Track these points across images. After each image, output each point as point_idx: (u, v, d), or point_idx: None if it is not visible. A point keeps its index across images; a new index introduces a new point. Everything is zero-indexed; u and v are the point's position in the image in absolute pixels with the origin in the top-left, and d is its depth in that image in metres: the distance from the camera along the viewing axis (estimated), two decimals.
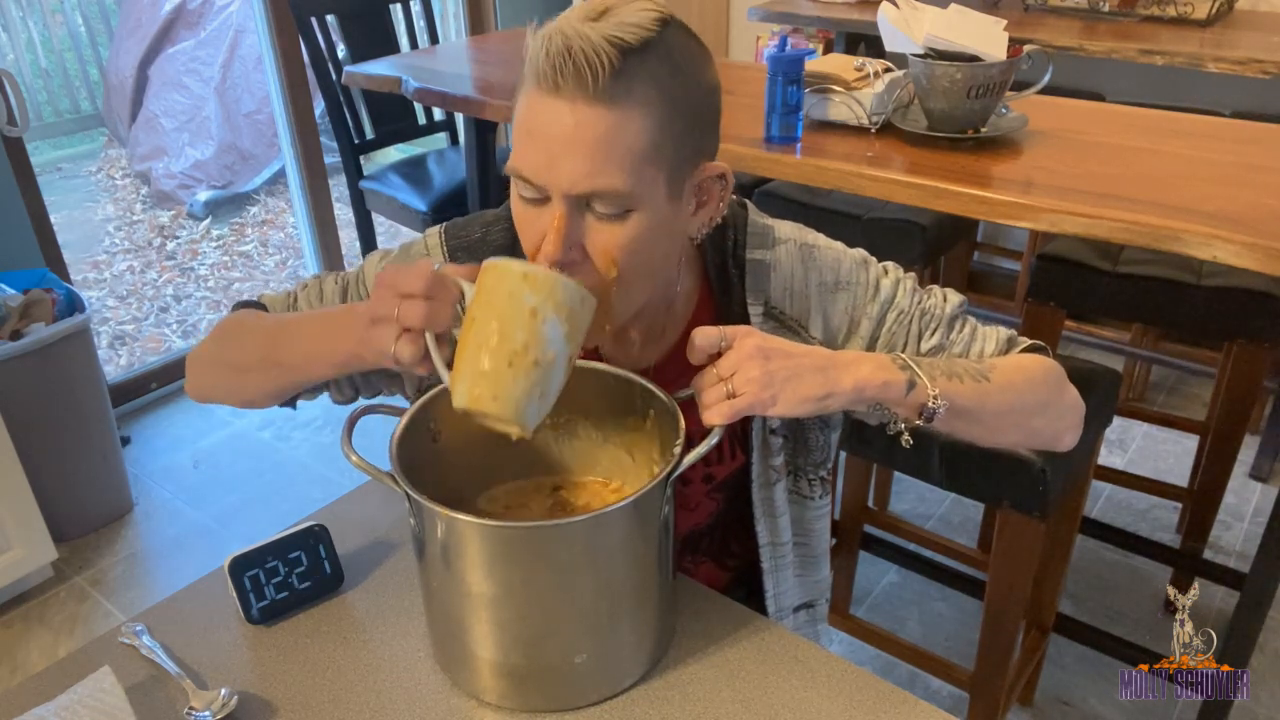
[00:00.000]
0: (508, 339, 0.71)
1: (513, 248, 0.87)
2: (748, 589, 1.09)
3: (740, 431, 0.97)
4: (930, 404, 0.79)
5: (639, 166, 0.75)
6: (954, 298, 0.95)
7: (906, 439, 0.82)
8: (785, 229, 0.95)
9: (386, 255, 0.98)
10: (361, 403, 0.88)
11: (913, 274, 0.96)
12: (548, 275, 0.72)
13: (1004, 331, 0.95)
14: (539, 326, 0.71)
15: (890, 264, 0.96)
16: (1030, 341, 0.94)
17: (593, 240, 0.78)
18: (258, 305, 0.99)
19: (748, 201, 0.97)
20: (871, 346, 0.93)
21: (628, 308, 0.84)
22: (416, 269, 0.73)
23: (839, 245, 0.95)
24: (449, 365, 0.74)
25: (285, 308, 0.99)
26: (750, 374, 0.75)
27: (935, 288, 0.96)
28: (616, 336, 0.95)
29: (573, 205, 0.76)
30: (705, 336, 0.76)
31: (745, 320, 0.92)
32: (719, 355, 0.77)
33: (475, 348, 0.72)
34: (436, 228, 0.97)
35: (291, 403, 0.96)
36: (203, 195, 4.27)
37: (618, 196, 0.75)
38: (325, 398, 0.97)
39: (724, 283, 0.93)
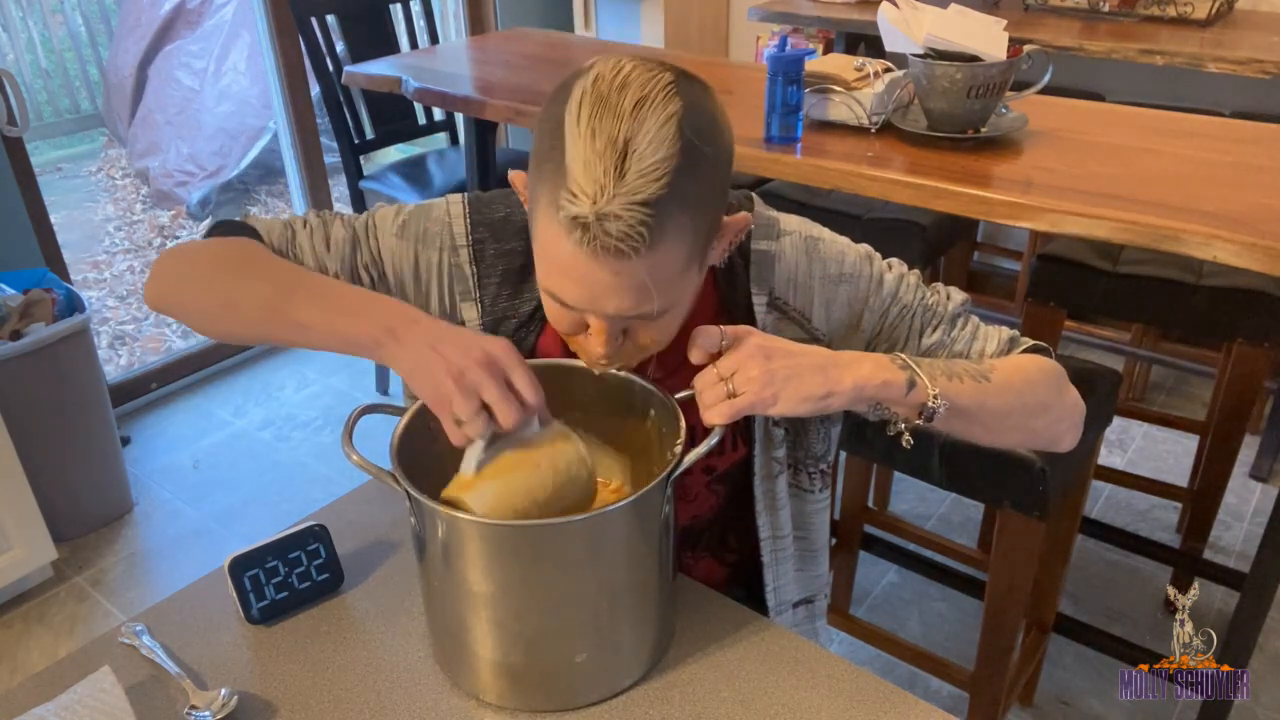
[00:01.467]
0: (553, 501, 0.78)
1: None
2: (747, 587, 1.09)
3: (742, 423, 0.97)
4: (930, 403, 0.79)
5: (677, 282, 0.77)
6: (957, 295, 0.95)
7: (907, 439, 0.83)
8: (791, 222, 0.96)
9: (400, 214, 0.95)
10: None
11: (916, 270, 0.96)
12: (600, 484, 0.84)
13: (1006, 331, 0.95)
14: (576, 490, 0.79)
15: (895, 260, 0.96)
16: (1032, 342, 0.95)
17: (635, 334, 0.81)
18: (247, 229, 0.93)
19: (753, 194, 0.97)
20: (873, 339, 0.93)
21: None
22: (529, 377, 0.75)
23: (844, 239, 0.96)
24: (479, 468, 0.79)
25: (284, 244, 0.93)
26: (751, 373, 0.75)
27: (939, 285, 0.96)
28: None
29: (613, 325, 0.79)
30: (706, 336, 0.77)
31: (749, 309, 0.93)
32: (719, 355, 0.77)
33: (523, 485, 0.78)
34: (459, 197, 0.96)
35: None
36: (197, 194, 4.27)
37: (660, 312, 0.78)
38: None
39: (729, 273, 0.93)
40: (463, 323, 0.95)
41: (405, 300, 0.92)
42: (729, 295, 0.93)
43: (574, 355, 0.95)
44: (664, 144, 0.70)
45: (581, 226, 0.70)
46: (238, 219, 0.94)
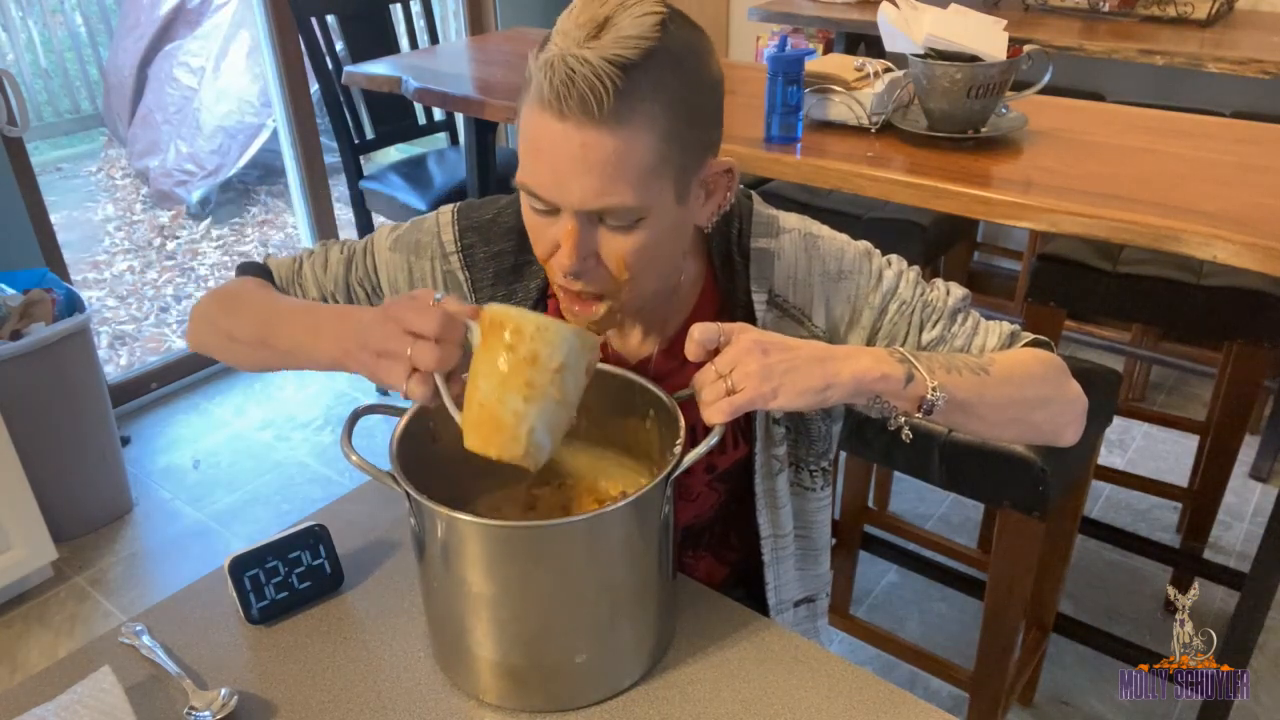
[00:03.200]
0: (517, 385, 0.74)
1: (522, 230, 0.89)
2: (747, 587, 1.09)
3: (743, 422, 0.97)
4: (929, 396, 0.79)
5: (647, 181, 0.76)
6: (957, 291, 0.95)
7: (906, 433, 0.83)
8: (790, 219, 0.96)
9: (396, 230, 1.00)
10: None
11: (916, 267, 0.96)
12: (554, 326, 0.74)
13: (1007, 326, 0.95)
14: (546, 373, 0.74)
15: (894, 256, 0.96)
16: (1033, 336, 0.95)
17: (605, 248, 0.80)
18: (263, 269, 1.02)
19: (753, 192, 0.98)
20: (873, 336, 0.94)
21: (637, 303, 0.86)
22: (424, 306, 0.74)
23: (843, 236, 0.96)
24: (459, 404, 0.77)
25: (290, 276, 1.02)
26: (749, 368, 0.75)
27: (939, 281, 0.96)
28: (619, 325, 0.96)
29: (584, 218, 0.78)
30: (703, 332, 0.77)
31: (749, 307, 0.93)
32: (716, 352, 0.77)
33: (486, 392, 0.74)
34: (449, 206, 0.99)
35: None
36: (197, 193, 4.27)
37: (627, 211, 0.77)
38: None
39: (728, 271, 0.94)
40: None
41: None
42: (729, 293, 0.94)
43: None
44: (643, 27, 0.73)
45: (550, 66, 0.73)
46: (259, 260, 1.03)
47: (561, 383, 0.75)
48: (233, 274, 1.03)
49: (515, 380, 0.74)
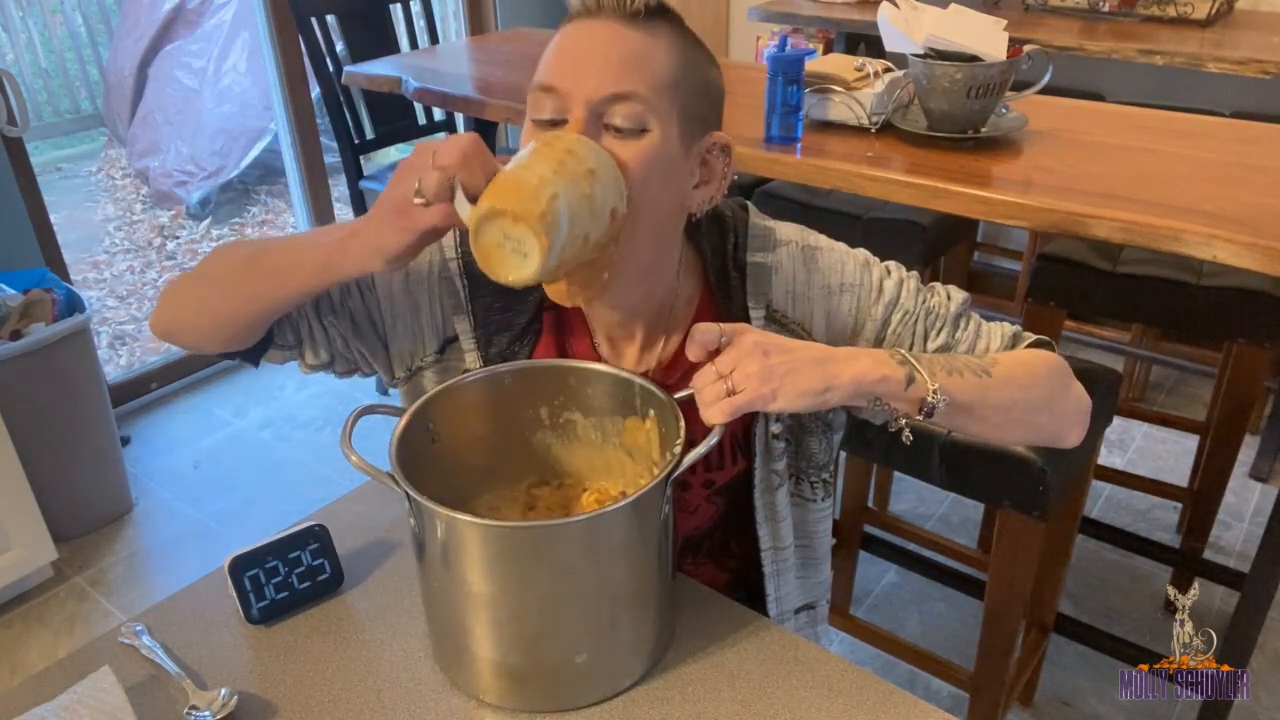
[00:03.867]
0: (543, 160, 0.73)
1: None
2: (748, 591, 1.08)
3: (742, 436, 0.97)
4: (930, 398, 0.79)
5: (660, 88, 0.79)
6: (957, 295, 0.95)
7: (907, 435, 0.82)
8: (787, 231, 0.95)
9: None
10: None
11: (915, 273, 0.96)
12: (595, 144, 0.77)
13: (1009, 327, 0.94)
14: (581, 166, 0.74)
15: (893, 264, 0.96)
16: (1035, 337, 0.94)
17: None
18: None
19: (749, 204, 0.97)
20: (877, 347, 0.93)
21: (629, 259, 0.82)
22: (443, 142, 0.75)
23: (841, 246, 0.95)
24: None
25: None
26: (749, 369, 0.74)
27: (938, 286, 0.96)
28: (614, 341, 0.95)
29: (591, 117, 0.79)
30: (704, 332, 0.76)
31: (746, 323, 0.92)
32: (718, 352, 0.77)
33: (513, 166, 0.73)
34: None
35: (254, 357, 0.93)
36: (197, 193, 4.27)
37: (639, 103, 0.78)
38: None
39: (724, 286, 0.93)
40: (455, 338, 0.95)
41: (393, 306, 0.94)
42: (725, 309, 0.93)
43: (570, 356, 0.95)
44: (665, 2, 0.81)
45: None
46: None
47: (592, 183, 0.73)
48: None
49: (549, 157, 0.73)
